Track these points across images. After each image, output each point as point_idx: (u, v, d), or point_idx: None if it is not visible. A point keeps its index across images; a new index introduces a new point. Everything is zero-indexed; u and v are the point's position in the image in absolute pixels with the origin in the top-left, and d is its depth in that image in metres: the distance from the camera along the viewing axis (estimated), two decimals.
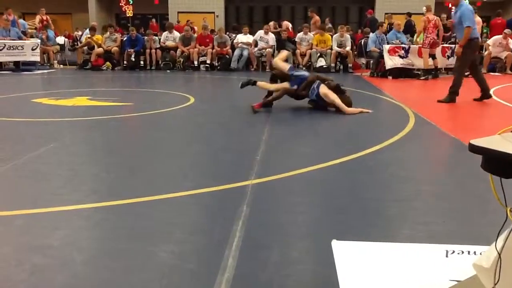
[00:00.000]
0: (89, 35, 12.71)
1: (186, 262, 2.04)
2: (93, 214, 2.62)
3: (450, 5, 14.61)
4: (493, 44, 11.58)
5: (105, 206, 2.70)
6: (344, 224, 2.48)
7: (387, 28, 12.06)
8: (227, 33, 13.68)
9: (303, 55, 12.04)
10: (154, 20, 18.01)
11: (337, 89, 6.00)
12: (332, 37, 12.00)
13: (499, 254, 1.29)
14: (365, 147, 4.05)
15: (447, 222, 2.53)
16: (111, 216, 2.59)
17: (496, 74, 11.30)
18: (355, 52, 12.32)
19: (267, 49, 11.96)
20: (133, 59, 12.17)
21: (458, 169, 3.63)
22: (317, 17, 13.14)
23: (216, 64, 12.33)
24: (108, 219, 2.54)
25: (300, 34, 12.34)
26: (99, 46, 12.38)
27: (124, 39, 12.65)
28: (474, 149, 1.11)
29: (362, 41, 11.94)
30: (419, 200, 2.91)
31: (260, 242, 2.24)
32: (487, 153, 1.08)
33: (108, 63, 12.30)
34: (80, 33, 15.74)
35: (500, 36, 11.61)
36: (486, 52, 11.59)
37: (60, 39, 14.91)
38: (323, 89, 5.92)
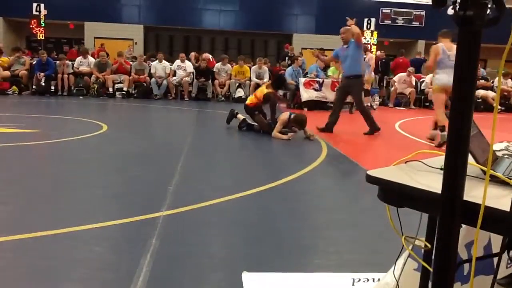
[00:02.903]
0: None
1: None
2: None
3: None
4: (399, 81, 12.47)
5: (1, 242, 2.46)
6: (257, 255, 2.46)
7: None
8: (146, 61, 13.46)
9: (222, 85, 12.17)
10: (74, 45, 17.29)
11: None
12: (250, 69, 12.28)
13: (397, 281, 1.34)
14: (279, 177, 4.11)
15: (356, 250, 2.61)
16: (8, 253, 2.37)
17: (402, 108, 12.13)
18: None
19: (185, 78, 11.95)
20: (43, 84, 11.55)
21: (367, 198, 3.78)
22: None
23: (133, 91, 12.06)
24: (4, 257, 2.32)
25: (218, 65, 12.47)
26: (5, 69, 11.63)
27: (34, 62, 12.01)
28: (370, 179, 1.14)
29: (280, 73, 12.35)
30: (331, 229, 2.98)
31: (169, 276, 2.15)
32: (382, 184, 1.12)
33: (14, 87, 11.57)
34: None
35: (404, 74, 12.54)
36: (393, 88, 12.44)
37: None
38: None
